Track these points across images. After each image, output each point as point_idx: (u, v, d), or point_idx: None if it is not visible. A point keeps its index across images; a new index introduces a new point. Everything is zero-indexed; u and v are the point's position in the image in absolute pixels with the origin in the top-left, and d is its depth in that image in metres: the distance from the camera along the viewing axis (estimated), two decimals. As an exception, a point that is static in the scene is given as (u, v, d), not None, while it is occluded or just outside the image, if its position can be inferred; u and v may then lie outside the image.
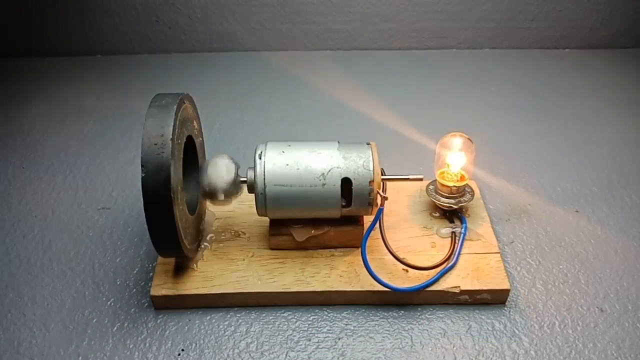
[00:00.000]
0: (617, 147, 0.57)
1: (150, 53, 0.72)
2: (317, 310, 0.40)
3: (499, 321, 0.39)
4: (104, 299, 0.40)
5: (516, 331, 0.38)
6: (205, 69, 0.69)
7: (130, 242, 0.45)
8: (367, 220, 0.42)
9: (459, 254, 0.41)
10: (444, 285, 0.39)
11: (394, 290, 0.38)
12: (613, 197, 0.50)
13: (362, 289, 0.39)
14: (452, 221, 0.44)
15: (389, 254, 0.40)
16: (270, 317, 0.39)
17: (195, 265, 0.40)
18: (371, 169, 0.38)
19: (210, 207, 0.45)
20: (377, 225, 0.39)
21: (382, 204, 0.39)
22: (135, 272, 0.42)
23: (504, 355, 0.37)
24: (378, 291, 0.39)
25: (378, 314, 0.40)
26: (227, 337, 0.38)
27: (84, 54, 0.71)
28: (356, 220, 0.41)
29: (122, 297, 0.40)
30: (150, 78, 0.67)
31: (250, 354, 0.37)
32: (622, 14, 0.72)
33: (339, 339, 0.38)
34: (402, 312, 0.40)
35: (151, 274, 0.42)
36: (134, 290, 0.41)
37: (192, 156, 0.41)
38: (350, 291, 0.39)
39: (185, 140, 0.37)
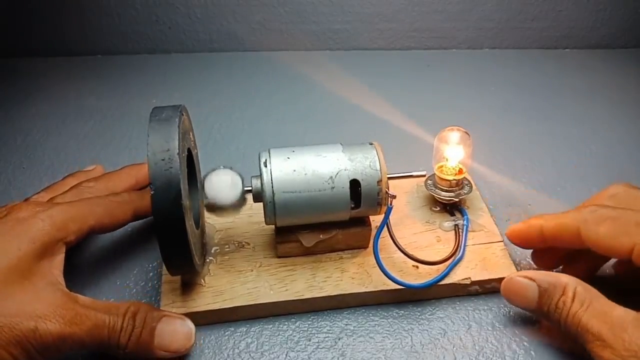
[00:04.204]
0: (617, 147, 0.57)
1: (150, 53, 0.72)
2: (317, 311, 0.40)
3: (499, 321, 0.39)
4: (104, 298, 0.40)
5: (517, 331, 0.38)
6: (205, 69, 0.69)
7: (129, 242, 0.45)
8: (373, 220, 0.42)
9: (464, 245, 0.42)
10: (454, 278, 0.40)
11: (409, 288, 0.39)
12: (613, 197, 0.50)
13: (375, 289, 0.39)
14: (452, 214, 0.45)
15: (396, 252, 0.40)
16: (270, 317, 0.39)
17: (202, 280, 0.39)
18: (378, 168, 0.38)
19: (209, 220, 0.44)
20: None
21: (391, 203, 0.39)
22: (135, 272, 0.42)
23: (504, 355, 0.37)
24: (391, 290, 0.39)
25: (378, 314, 0.40)
26: (227, 337, 0.38)
27: (84, 54, 0.71)
28: (363, 221, 0.41)
29: (122, 297, 0.40)
30: (150, 78, 0.67)
31: (250, 354, 0.37)
32: (622, 14, 0.72)
33: (339, 339, 0.38)
34: (402, 312, 0.40)
35: (151, 274, 0.42)
36: (134, 290, 0.41)
37: (190, 169, 0.41)
38: (364, 292, 0.39)
39: (186, 153, 0.37)
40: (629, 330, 0.30)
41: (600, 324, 0.31)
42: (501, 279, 0.38)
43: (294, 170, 0.37)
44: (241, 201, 0.38)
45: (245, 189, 0.38)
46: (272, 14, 0.69)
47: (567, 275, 0.34)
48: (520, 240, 0.39)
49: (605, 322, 0.31)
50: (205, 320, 0.38)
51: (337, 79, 0.67)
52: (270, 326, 0.39)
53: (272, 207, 0.37)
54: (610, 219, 0.34)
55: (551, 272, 0.35)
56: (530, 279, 0.35)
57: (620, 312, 0.31)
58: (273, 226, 0.41)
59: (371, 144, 0.40)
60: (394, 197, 0.39)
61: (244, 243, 0.43)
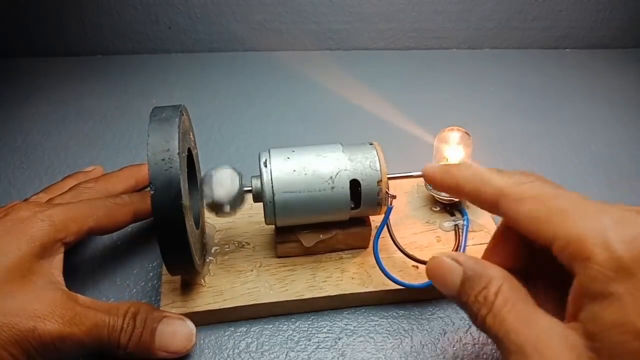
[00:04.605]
0: (617, 147, 0.57)
1: (150, 53, 0.72)
2: (317, 311, 0.40)
3: (499, 321, 0.39)
4: (104, 298, 0.40)
5: (516, 331, 0.38)
6: (205, 69, 0.69)
7: (129, 242, 0.45)
8: (373, 220, 0.42)
9: (465, 246, 0.42)
10: None
11: (409, 287, 0.39)
12: (613, 197, 0.50)
13: (375, 289, 0.39)
14: (452, 214, 0.45)
15: (396, 252, 0.40)
16: (270, 317, 0.39)
17: (202, 280, 0.39)
18: (378, 169, 0.38)
19: (209, 220, 0.44)
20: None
21: (391, 203, 0.39)
22: (135, 272, 0.42)
23: (504, 355, 0.37)
24: (391, 290, 0.39)
25: (378, 314, 0.40)
26: (227, 337, 0.38)
27: (84, 54, 0.71)
28: (363, 222, 0.41)
29: (122, 297, 0.41)
30: (150, 78, 0.67)
31: (250, 354, 0.37)
32: (622, 14, 0.72)
33: (339, 339, 0.38)
34: (402, 312, 0.40)
35: (151, 274, 0.42)
36: (134, 290, 0.41)
37: (190, 169, 0.41)
38: (364, 292, 0.39)
39: (186, 153, 0.37)
40: (553, 346, 0.25)
41: (525, 333, 0.26)
42: None
43: (294, 170, 0.37)
44: (240, 200, 0.38)
45: (245, 189, 0.38)
46: (272, 14, 0.69)
47: (500, 269, 0.29)
48: (433, 184, 0.35)
49: (530, 333, 0.26)
50: (206, 320, 0.38)
51: (337, 79, 0.67)
52: (270, 326, 0.39)
53: (272, 207, 0.37)
54: (533, 199, 0.28)
55: (483, 261, 0.30)
56: (458, 262, 0.30)
57: (546, 323, 0.26)
58: (273, 226, 0.41)
59: (371, 144, 0.40)
60: (394, 197, 0.39)
61: (244, 243, 0.43)
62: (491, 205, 0.30)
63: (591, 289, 0.24)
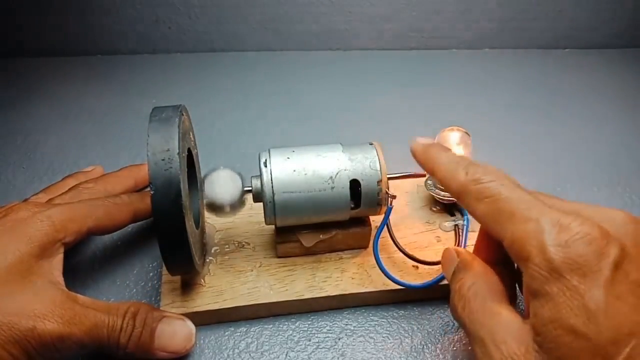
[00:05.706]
0: (617, 147, 0.57)
1: (150, 53, 0.72)
2: (317, 311, 0.40)
3: (499, 321, 0.39)
4: (104, 298, 0.40)
5: (516, 331, 0.38)
6: (205, 69, 0.69)
7: (129, 242, 0.45)
8: (373, 220, 0.42)
9: (465, 245, 0.42)
10: None
11: (409, 288, 0.39)
12: (613, 197, 0.50)
13: (375, 289, 0.39)
14: (452, 214, 0.45)
15: (396, 252, 0.40)
16: (270, 317, 0.39)
17: (202, 280, 0.39)
18: (378, 168, 0.38)
19: (209, 220, 0.44)
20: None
21: (391, 203, 0.39)
22: (135, 272, 0.42)
23: (504, 355, 0.37)
24: (391, 290, 0.39)
25: (378, 314, 0.40)
26: (227, 337, 0.38)
27: (84, 54, 0.71)
28: (363, 221, 0.41)
29: (122, 297, 0.41)
30: (150, 78, 0.67)
31: (250, 354, 0.37)
32: (622, 14, 0.72)
33: (339, 339, 0.38)
34: (402, 312, 0.40)
35: (151, 274, 0.42)
36: (134, 290, 0.41)
37: (190, 169, 0.41)
38: (364, 292, 0.39)
39: (186, 153, 0.37)
40: (508, 340, 0.27)
41: (487, 326, 0.28)
42: None
43: (294, 170, 0.37)
44: (240, 201, 0.38)
45: (245, 189, 0.38)
46: (272, 14, 0.69)
47: (481, 265, 0.32)
48: (414, 157, 0.37)
49: (491, 326, 0.28)
50: (205, 320, 0.38)
51: (337, 79, 0.67)
52: (270, 326, 0.39)
53: (272, 207, 0.37)
54: (487, 199, 0.30)
55: (474, 257, 0.33)
56: (458, 254, 0.34)
57: (506, 318, 0.28)
58: (273, 226, 0.41)
59: (371, 144, 0.40)
60: (394, 197, 0.39)
61: (244, 243, 0.43)
62: (456, 198, 0.33)
63: (532, 287, 0.26)
